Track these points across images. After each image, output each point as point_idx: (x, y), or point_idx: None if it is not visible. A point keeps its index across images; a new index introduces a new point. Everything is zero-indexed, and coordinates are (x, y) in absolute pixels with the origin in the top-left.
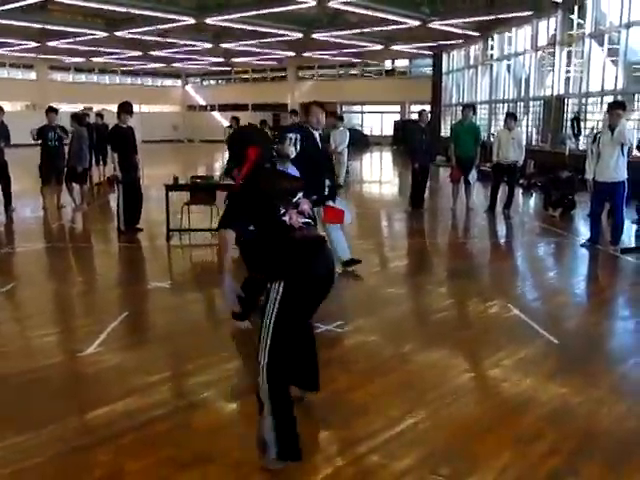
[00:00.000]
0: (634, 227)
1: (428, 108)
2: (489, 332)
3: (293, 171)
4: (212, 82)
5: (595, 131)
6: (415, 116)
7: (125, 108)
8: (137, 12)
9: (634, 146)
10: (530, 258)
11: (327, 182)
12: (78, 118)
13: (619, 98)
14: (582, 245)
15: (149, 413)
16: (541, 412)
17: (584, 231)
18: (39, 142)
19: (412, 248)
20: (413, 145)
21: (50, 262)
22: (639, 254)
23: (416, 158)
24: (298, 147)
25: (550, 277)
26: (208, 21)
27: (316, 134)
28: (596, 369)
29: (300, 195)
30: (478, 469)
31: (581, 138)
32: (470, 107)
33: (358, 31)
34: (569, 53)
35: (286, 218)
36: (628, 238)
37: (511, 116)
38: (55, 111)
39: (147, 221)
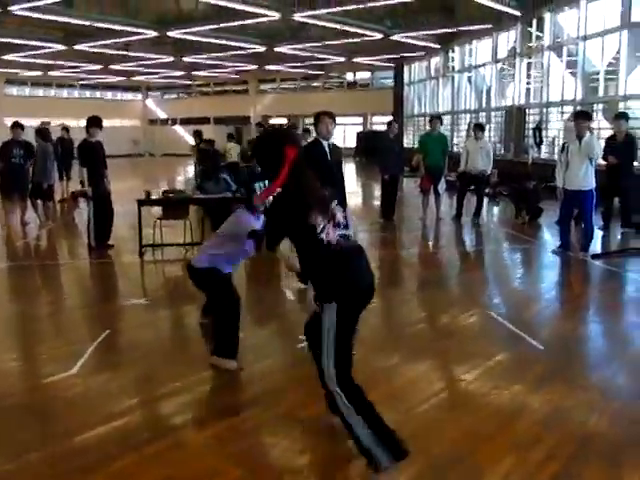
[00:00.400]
0: (600, 233)
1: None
2: (474, 340)
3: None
4: (173, 96)
5: (563, 141)
6: (378, 127)
7: (95, 122)
8: (99, 25)
9: (599, 156)
10: (504, 265)
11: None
12: (43, 133)
13: (579, 108)
14: (553, 252)
15: (140, 435)
16: (535, 418)
17: (552, 238)
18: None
19: (385, 259)
20: (382, 156)
21: (20, 281)
22: (608, 259)
23: (386, 169)
24: None
25: (527, 283)
26: (170, 34)
27: (325, 144)
28: (583, 373)
29: (335, 203)
30: (483, 475)
31: (543, 147)
32: (438, 118)
33: (321, 44)
34: (529, 64)
35: (324, 235)
36: (594, 244)
37: (478, 126)
38: (21, 127)
39: (117, 237)
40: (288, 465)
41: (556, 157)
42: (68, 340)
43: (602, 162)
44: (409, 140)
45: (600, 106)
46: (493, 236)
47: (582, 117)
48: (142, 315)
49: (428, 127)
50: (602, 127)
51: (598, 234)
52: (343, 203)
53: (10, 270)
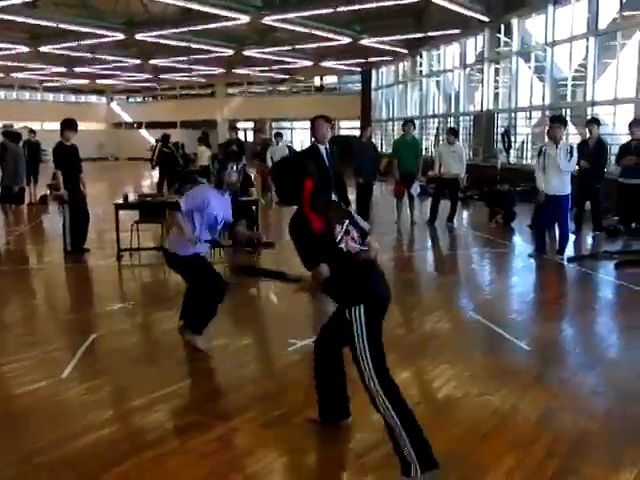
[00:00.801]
0: (572, 236)
1: (358, 124)
2: (460, 342)
3: (226, 201)
4: (138, 99)
5: (540, 145)
6: (346, 132)
7: (69, 125)
8: (65, 27)
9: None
10: (482, 269)
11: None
12: (13, 136)
13: (547, 113)
14: (529, 255)
15: (137, 440)
16: (529, 418)
17: (527, 241)
18: None
19: None
20: (357, 161)
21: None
22: (583, 262)
23: (360, 174)
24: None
25: (506, 286)
26: (138, 37)
27: (322, 148)
28: (571, 373)
29: (347, 222)
30: (486, 472)
31: (511, 152)
32: (411, 122)
33: (289, 48)
34: (497, 70)
35: (342, 245)
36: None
37: (451, 131)
38: None
39: (92, 241)
40: (288, 469)
41: (528, 162)
42: (54, 345)
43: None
44: (376, 145)
45: (568, 111)
46: (468, 240)
47: (558, 121)
48: (125, 320)
49: (396, 132)
50: (570, 132)
51: (571, 237)
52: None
53: None
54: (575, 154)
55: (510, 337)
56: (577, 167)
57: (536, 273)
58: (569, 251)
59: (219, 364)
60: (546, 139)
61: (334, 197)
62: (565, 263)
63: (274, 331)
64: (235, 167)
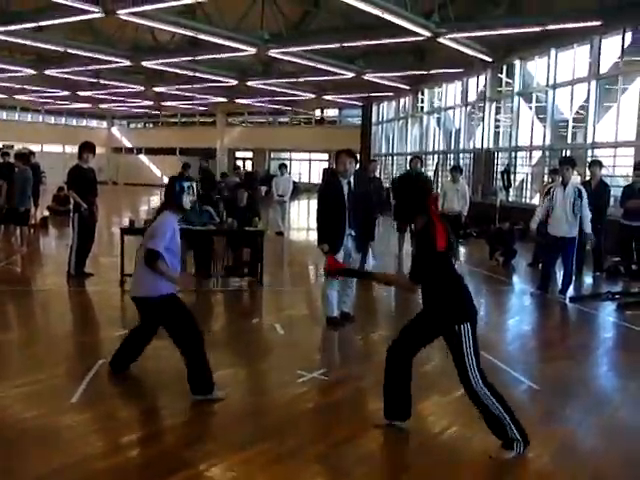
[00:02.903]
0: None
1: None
2: None
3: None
4: (139, 125)
5: (549, 186)
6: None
7: (88, 148)
8: (72, 52)
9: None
10: (485, 306)
11: (351, 231)
12: (23, 157)
13: (547, 153)
14: (531, 293)
15: (154, 467)
16: (544, 454)
17: (527, 280)
18: None
19: (362, 297)
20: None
21: (2, 307)
22: (585, 302)
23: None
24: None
25: (511, 325)
26: (143, 64)
27: (344, 181)
28: (583, 412)
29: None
30: None
31: (511, 190)
32: (418, 158)
33: (292, 80)
34: (498, 109)
35: (456, 264)
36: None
37: (456, 169)
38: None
39: (96, 265)
40: None
41: (527, 201)
42: (62, 369)
43: None
44: (381, 179)
45: (568, 152)
46: (469, 277)
47: (567, 163)
48: None
49: (396, 167)
50: None
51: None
52: (366, 233)
53: None
54: (585, 197)
55: (518, 376)
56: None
57: (539, 312)
58: (571, 291)
59: (230, 394)
60: (559, 179)
61: (348, 231)
62: (567, 303)
63: (282, 362)
64: (191, 188)
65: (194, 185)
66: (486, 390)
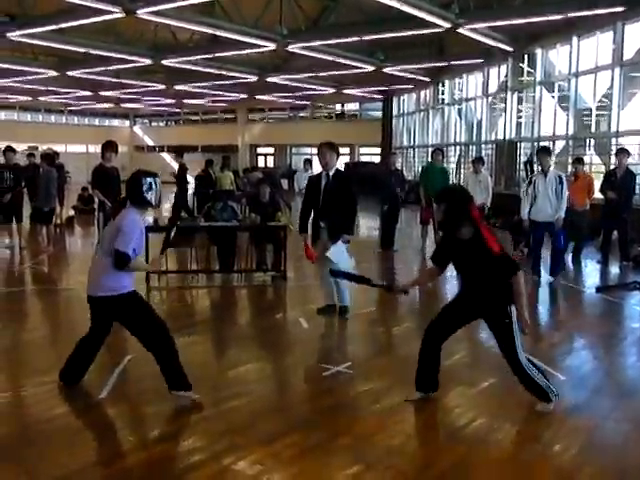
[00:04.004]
0: (599, 267)
1: (378, 150)
2: (495, 371)
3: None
4: (161, 123)
5: (530, 175)
6: (365, 158)
7: (110, 147)
8: (93, 52)
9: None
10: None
11: (321, 224)
12: (49, 158)
13: (570, 143)
14: (550, 284)
15: (182, 461)
16: (572, 446)
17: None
18: None
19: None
20: (381, 187)
21: (30, 307)
22: (611, 292)
23: (385, 200)
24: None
25: (536, 315)
26: (164, 62)
27: (323, 175)
28: (611, 404)
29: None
30: None
31: None
32: (440, 150)
33: (312, 74)
34: (520, 99)
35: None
36: (595, 277)
37: (478, 160)
38: (13, 151)
39: None
40: None
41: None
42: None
43: (601, 196)
44: (402, 171)
45: (592, 141)
46: None
47: (544, 152)
48: None
49: (417, 159)
50: (594, 162)
51: (597, 267)
52: (343, 227)
53: (19, 295)
54: (565, 183)
55: (544, 366)
56: (603, 196)
57: (565, 302)
58: (597, 281)
59: (256, 389)
60: (538, 167)
61: (322, 225)
62: (593, 293)
63: (307, 356)
64: (156, 184)
65: (158, 181)
66: (528, 364)
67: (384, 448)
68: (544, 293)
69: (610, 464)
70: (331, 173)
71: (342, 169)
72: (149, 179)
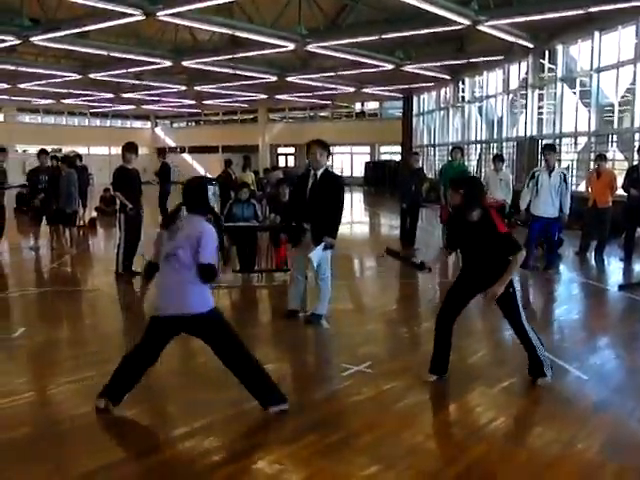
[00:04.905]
0: (622, 264)
1: (398, 149)
2: (516, 369)
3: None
4: (182, 124)
5: (534, 169)
6: (384, 157)
7: (131, 148)
8: (114, 54)
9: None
10: (532, 295)
11: (305, 225)
12: (69, 160)
13: (592, 139)
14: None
15: (205, 460)
16: (594, 445)
17: (574, 268)
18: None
19: (407, 289)
20: (402, 186)
21: (57, 307)
22: (634, 290)
23: (404, 198)
24: None
25: (558, 313)
26: (184, 64)
27: (311, 174)
28: (633, 403)
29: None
30: None
31: None
32: (459, 149)
33: (332, 74)
34: (541, 95)
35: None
36: (618, 275)
37: (498, 157)
38: (47, 154)
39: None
40: None
41: (573, 188)
42: (111, 366)
43: (623, 193)
44: (423, 170)
45: (614, 137)
46: None
47: (550, 149)
48: (179, 343)
49: (438, 157)
50: (617, 159)
51: (620, 265)
52: (326, 230)
53: (44, 295)
54: (569, 182)
55: (566, 365)
56: (625, 193)
57: (587, 300)
58: (620, 279)
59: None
60: (543, 164)
61: (306, 226)
62: (616, 291)
63: (327, 356)
64: (213, 189)
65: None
66: (531, 328)
67: (404, 447)
68: (567, 291)
69: (633, 462)
70: (319, 173)
71: (331, 169)
72: (211, 185)
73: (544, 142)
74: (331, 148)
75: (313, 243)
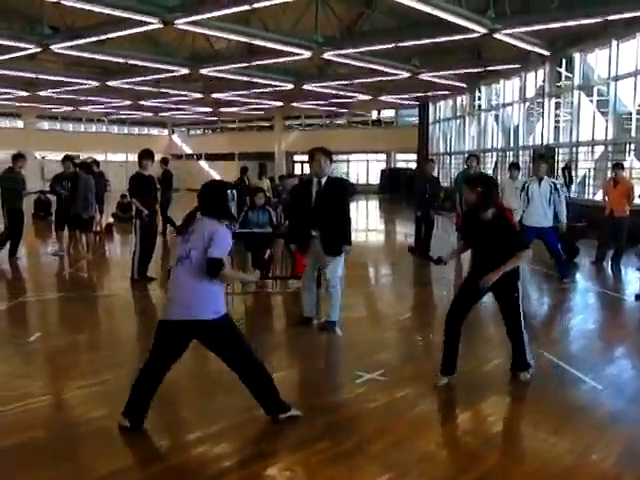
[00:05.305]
0: (638, 274)
1: (414, 156)
2: (533, 378)
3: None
4: (198, 131)
5: (524, 180)
6: (400, 165)
7: (147, 155)
8: (133, 62)
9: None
10: (546, 304)
11: (313, 232)
12: (86, 166)
13: (609, 148)
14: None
15: (216, 465)
16: (610, 456)
17: (591, 277)
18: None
19: (422, 296)
20: (416, 194)
21: (73, 312)
22: None
23: (419, 206)
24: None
25: (574, 323)
26: (202, 72)
27: (315, 182)
28: None
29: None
30: None
31: (572, 186)
32: (474, 156)
33: (348, 82)
34: (557, 104)
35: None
36: (634, 285)
37: (514, 166)
38: (71, 160)
39: (158, 270)
40: None
41: (590, 197)
42: (125, 370)
43: None
44: (439, 178)
45: (632, 146)
46: (531, 275)
47: (540, 159)
48: (193, 348)
49: (454, 166)
50: (635, 167)
51: (637, 275)
52: (336, 236)
53: (61, 300)
54: (560, 191)
55: (581, 375)
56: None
57: (603, 310)
58: (637, 288)
59: (288, 394)
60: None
61: (314, 234)
62: (633, 300)
63: (340, 363)
64: (232, 194)
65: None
66: (525, 331)
67: (416, 455)
68: (583, 300)
69: None
70: (323, 180)
71: (335, 177)
72: (229, 191)
73: (557, 150)
74: (346, 156)
75: (324, 252)
